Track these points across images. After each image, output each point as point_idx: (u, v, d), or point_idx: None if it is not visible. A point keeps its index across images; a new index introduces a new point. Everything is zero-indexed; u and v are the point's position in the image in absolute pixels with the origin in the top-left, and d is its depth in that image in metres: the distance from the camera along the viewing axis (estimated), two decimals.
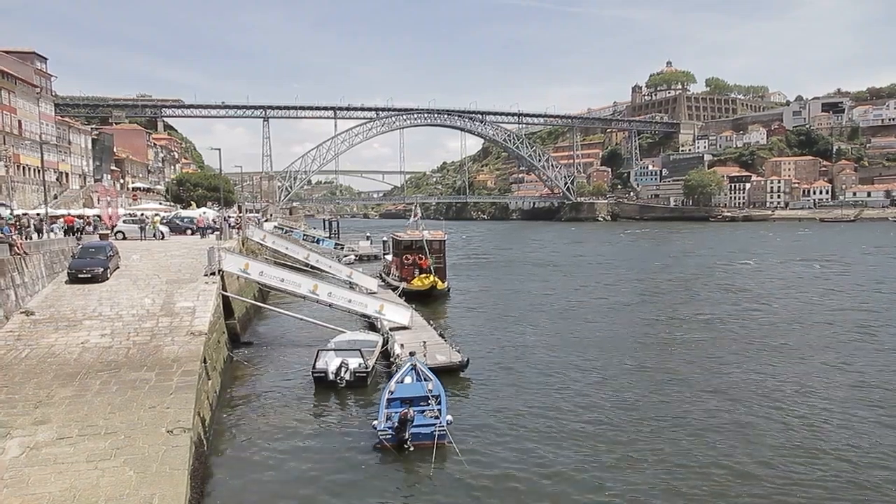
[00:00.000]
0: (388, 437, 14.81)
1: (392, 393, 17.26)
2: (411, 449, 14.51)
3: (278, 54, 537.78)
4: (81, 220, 38.80)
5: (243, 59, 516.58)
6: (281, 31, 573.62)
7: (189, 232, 43.89)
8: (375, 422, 15.51)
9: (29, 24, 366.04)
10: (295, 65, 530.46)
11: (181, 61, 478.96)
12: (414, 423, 14.87)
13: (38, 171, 63.00)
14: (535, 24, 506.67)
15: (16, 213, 37.89)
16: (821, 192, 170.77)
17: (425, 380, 17.92)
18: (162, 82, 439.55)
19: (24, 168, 66.71)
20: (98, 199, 71.11)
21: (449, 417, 15.53)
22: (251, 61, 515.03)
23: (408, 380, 18.26)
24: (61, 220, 38.92)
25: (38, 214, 39.53)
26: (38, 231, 33.27)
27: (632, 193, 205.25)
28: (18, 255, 21.64)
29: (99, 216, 44.28)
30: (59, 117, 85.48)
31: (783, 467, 14.01)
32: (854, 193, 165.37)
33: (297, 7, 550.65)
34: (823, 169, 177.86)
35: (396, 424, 14.81)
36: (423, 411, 15.88)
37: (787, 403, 18.19)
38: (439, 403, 16.32)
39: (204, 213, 50.01)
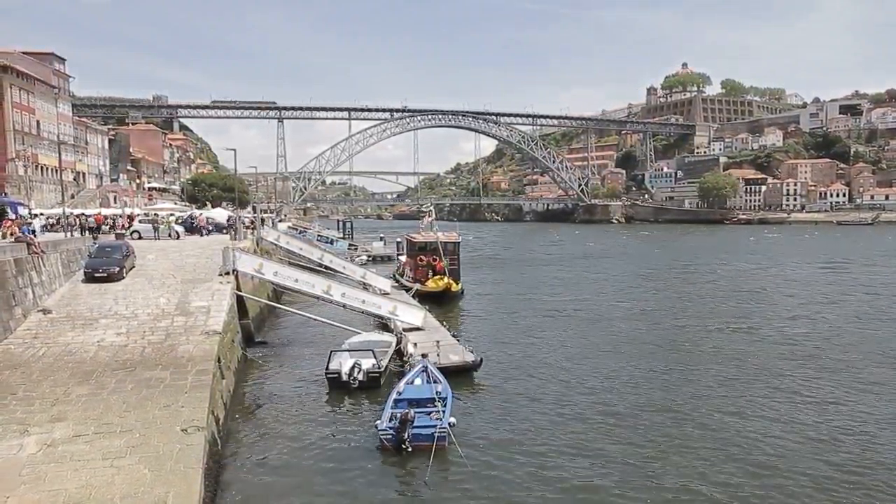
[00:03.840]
0: (388, 437, 14.85)
1: (400, 394, 17.32)
2: (409, 450, 14.50)
3: (279, 55, 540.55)
4: (94, 220, 39.20)
5: (244, 59, 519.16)
6: (282, 31, 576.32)
7: (204, 232, 44.21)
8: (378, 421, 15.55)
9: (29, 24, 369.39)
10: (296, 65, 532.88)
11: (181, 61, 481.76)
12: (415, 425, 14.86)
13: (56, 171, 63.68)
14: (548, 26, 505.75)
15: (34, 212, 38.36)
16: (838, 195, 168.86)
17: (435, 382, 17.92)
18: (162, 82, 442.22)
19: (41, 168, 67.43)
20: (115, 199, 71.93)
21: (452, 420, 15.48)
22: (252, 61, 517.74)
23: (417, 381, 18.29)
24: (91, 217, 39.51)
25: (84, 214, 40.39)
26: (85, 229, 34.08)
27: (646, 196, 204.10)
28: (36, 254, 21.86)
29: (122, 216, 44.82)
30: (77, 118, 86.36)
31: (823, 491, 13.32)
32: (872, 196, 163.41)
33: (298, 7, 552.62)
34: (840, 171, 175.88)
35: (397, 425, 14.84)
36: (429, 413, 15.86)
37: (821, 419, 17.43)
38: (445, 405, 16.30)
39: (200, 213, 50.18)
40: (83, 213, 42.17)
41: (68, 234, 31.85)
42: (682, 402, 18.78)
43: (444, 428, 14.94)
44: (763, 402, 18.63)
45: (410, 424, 14.75)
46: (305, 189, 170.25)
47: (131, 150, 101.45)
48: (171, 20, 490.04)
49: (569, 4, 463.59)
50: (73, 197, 65.88)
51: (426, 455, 14.10)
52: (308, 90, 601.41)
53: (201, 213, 49.94)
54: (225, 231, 43.23)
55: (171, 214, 47.42)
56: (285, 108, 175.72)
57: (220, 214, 51.16)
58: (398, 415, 15.16)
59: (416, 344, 22.30)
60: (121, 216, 45.81)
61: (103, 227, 39.75)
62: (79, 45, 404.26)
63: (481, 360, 21.47)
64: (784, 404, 18.51)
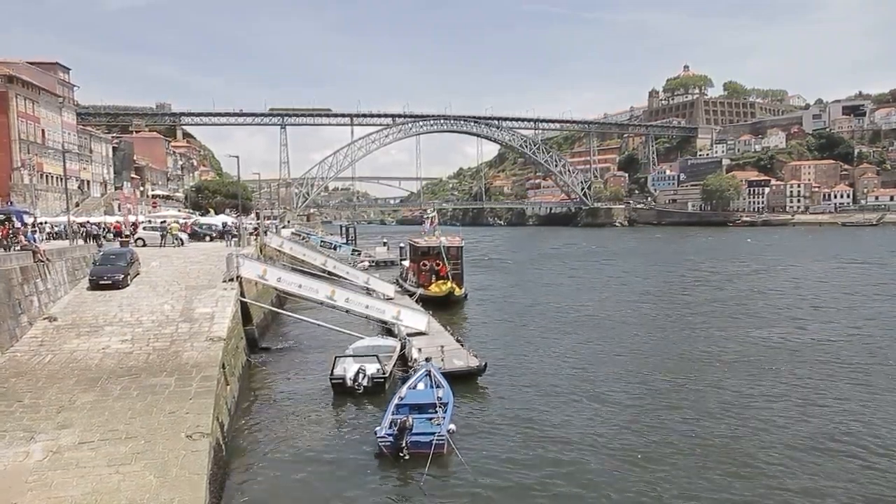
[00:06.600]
0: (387, 444, 14.87)
1: (402, 399, 17.30)
2: (407, 457, 14.49)
3: (296, 59, 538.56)
4: (97, 227, 39.23)
5: (262, 63, 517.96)
6: (299, 36, 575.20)
7: (208, 238, 44.27)
8: (378, 427, 15.57)
9: (52, 30, 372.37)
10: (312, 69, 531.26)
11: (198, 67, 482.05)
12: (413, 431, 14.84)
13: (61, 179, 63.95)
14: (551, 29, 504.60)
15: (39, 221, 38.44)
16: (842, 197, 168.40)
17: (437, 386, 17.89)
18: (181, 86, 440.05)
19: (46, 176, 67.79)
20: (119, 207, 72.14)
21: (452, 426, 15.48)
22: (270, 66, 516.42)
23: (420, 386, 18.26)
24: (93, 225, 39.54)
25: (89, 222, 40.53)
26: (90, 237, 34.34)
27: (649, 198, 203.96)
28: (41, 262, 21.97)
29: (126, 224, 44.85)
30: (81, 126, 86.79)
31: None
32: (876, 197, 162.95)
33: (316, 11, 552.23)
34: (844, 173, 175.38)
35: (396, 432, 14.83)
36: (431, 419, 15.85)
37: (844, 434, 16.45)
38: (446, 411, 16.27)
39: (176, 220, 49.92)
40: (88, 221, 42.32)
41: (73, 241, 31.92)
42: (689, 409, 18.60)
43: (443, 435, 14.93)
44: (782, 414, 18.00)
45: (409, 431, 14.73)
46: (308, 195, 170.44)
47: (135, 157, 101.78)
48: (188, 26, 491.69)
49: (584, 8, 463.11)
50: (77, 205, 66.10)
51: (422, 462, 14.10)
52: (326, 95, 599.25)
53: (176, 221, 49.61)
54: (223, 237, 43.00)
55: (176, 221, 47.50)
56: (288, 114, 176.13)
57: (219, 221, 51.26)
58: (398, 421, 15.15)
59: (420, 349, 22.32)
60: (123, 224, 45.87)
61: (108, 234, 39.81)
62: (99, 51, 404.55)
63: (485, 364, 21.48)
64: (798, 410, 18.41)
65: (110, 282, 24.50)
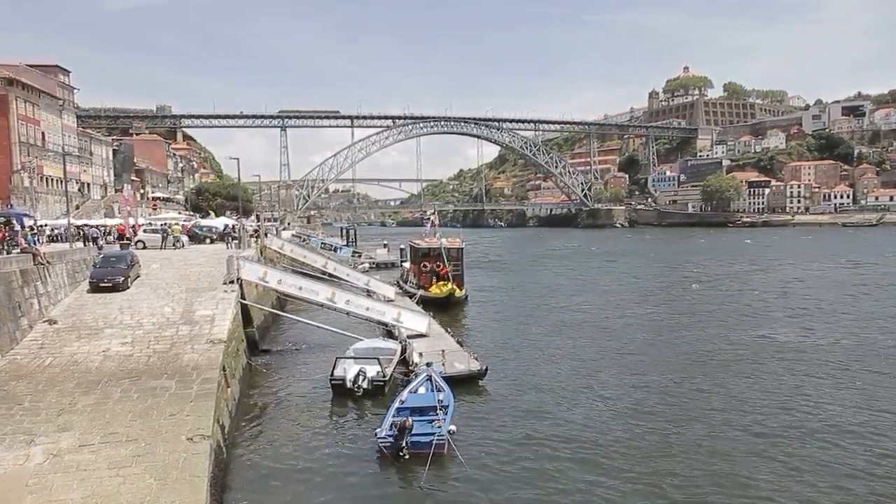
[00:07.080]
0: (386, 444, 14.94)
1: (403, 402, 17.35)
2: (406, 457, 14.56)
3: (296, 60, 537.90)
4: (97, 230, 39.22)
5: (262, 64, 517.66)
6: (299, 36, 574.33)
7: (208, 241, 44.24)
8: (378, 429, 15.63)
9: (52, 31, 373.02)
10: (312, 70, 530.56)
11: (198, 67, 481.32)
12: (413, 432, 14.92)
13: (61, 181, 63.98)
14: (551, 29, 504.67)
15: (40, 223, 38.45)
16: (842, 197, 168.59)
17: (438, 390, 17.95)
18: (181, 86, 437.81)
19: (47, 179, 67.82)
20: (119, 209, 72.05)
21: (452, 427, 15.55)
22: (270, 67, 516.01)
23: (421, 390, 18.34)
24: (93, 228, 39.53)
25: (87, 224, 40.54)
26: (88, 239, 34.44)
27: (649, 199, 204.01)
28: (41, 264, 21.96)
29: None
30: (81, 128, 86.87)
31: None
32: (876, 198, 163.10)
33: (316, 12, 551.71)
34: (844, 173, 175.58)
35: (396, 433, 14.91)
36: (431, 421, 15.90)
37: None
38: (447, 413, 16.31)
39: (177, 223, 49.76)
40: (87, 224, 42.31)
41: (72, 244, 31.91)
42: (691, 410, 18.53)
43: (443, 436, 15.00)
44: (785, 414, 17.93)
45: (409, 432, 14.82)
46: (309, 197, 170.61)
47: (135, 160, 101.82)
48: (187, 26, 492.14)
49: (585, 9, 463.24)
50: (77, 207, 66.14)
51: (424, 462, 14.15)
52: (326, 96, 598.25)
53: (177, 222, 49.46)
54: (223, 240, 42.96)
55: (177, 224, 47.46)
56: (288, 117, 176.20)
57: (219, 223, 51.26)
58: (398, 422, 15.21)
59: (421, 354, 22.29)
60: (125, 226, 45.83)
61: (109, 236, 39.83)
62: (86, 51, 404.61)
63: (486, 368, 21.47)
64: (800, 409, 18.37)
65: (110, 284, 24.48)
